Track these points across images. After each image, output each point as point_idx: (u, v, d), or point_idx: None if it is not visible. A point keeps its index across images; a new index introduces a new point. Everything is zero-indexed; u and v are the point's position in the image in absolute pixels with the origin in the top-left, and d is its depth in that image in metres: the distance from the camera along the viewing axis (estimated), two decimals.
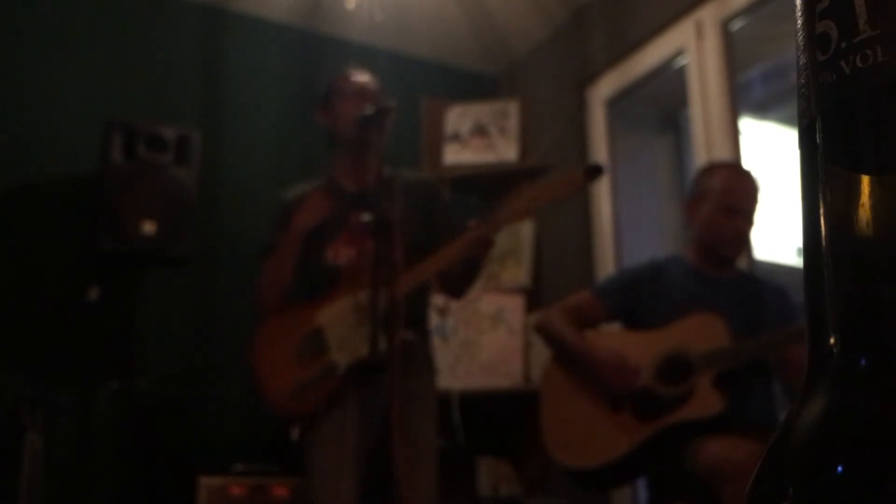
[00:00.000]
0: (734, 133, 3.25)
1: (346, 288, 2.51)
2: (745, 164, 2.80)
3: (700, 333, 2.38)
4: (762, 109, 4.38)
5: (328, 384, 2.44)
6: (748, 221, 2.50)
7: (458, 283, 2.67)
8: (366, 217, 2.40)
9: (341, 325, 2.47)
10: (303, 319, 2.52)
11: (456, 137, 4.19)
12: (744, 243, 2.59)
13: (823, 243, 0.38)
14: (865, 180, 0.37)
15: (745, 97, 4.12)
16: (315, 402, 2.43)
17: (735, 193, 2.50)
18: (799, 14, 0.40)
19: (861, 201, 0.37)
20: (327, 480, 2.37)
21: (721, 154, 3.21)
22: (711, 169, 2.66)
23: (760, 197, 2.52)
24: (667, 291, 2.53)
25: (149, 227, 3.14)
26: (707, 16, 3.39)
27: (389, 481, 2.35)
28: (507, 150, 4.12)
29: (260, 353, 2.54)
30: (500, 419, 3.87)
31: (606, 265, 3.75)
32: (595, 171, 2.40)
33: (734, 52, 3.35)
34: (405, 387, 2.36)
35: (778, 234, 3.74)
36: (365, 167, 2.64)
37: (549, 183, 2.47)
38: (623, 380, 2.39)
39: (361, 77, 2.71)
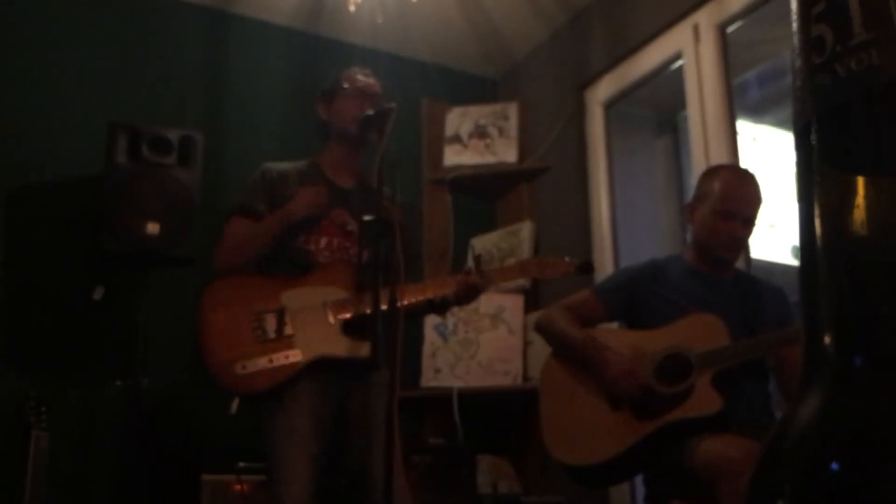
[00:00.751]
0: (731, 135, 3.28)
1: (315, 279, 2.52)
2: (748, 168, 2.81)
3: (699, 333, 2.39)
4: (758, 112, 4.41)
5: (284, 370, 2.42)
6: (746, 226, 2.51)
7: (429, 310, 2.71)
8: (367, 217, 2.44)
9: (305, 315, 2.47)
10: (265, 293, 2.49)
11: (456, 139, 4.22)
12: (740, 247, 2.59)
13: (819, 244, 0.39)
14: (860, 181, 0.38)
15: (741, 99, 4.15)
16: (265, 383, 2.41)
17: (733, 198, 2.50)
18: (794, 18, 0.41)
19: (856, 202, 0.38)
20: (287, 470, 2.37)
21: (717, 156, 3.23)
22: (713, 172, 2.67)
23: (761, 202, 2.53)
24: (666, 291, 2.55)
25: (152, 228, 3.16)
26: (704, 19, 3.42)
27: (357, 478, 2.37)
28: (506, 152, 4.14)
29: (211, 312, 2.48)
30: (500, 417, 3.89)
31: (604, 265, 3.78)
32: (587, 268, 2.68)
33: (731, 54, 3.37)
34: (370, 381, 2.39)
35: (774, 234, 3.77)
36: (355, 166, 2.69)
37: (545, 263, 2.64)
38: (630, 385, 2.40)
39: (365, 77, 2.75)
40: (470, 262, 2.53)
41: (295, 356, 2.44)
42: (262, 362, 2.42)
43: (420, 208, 3.40)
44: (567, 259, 2.63)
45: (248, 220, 2.60)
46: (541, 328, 2.69)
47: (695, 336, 2.39)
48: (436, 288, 2.50)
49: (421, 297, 2.49)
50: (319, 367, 2.46)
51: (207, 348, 2.46)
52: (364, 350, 2.35)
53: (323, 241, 2.59)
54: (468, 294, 2.51)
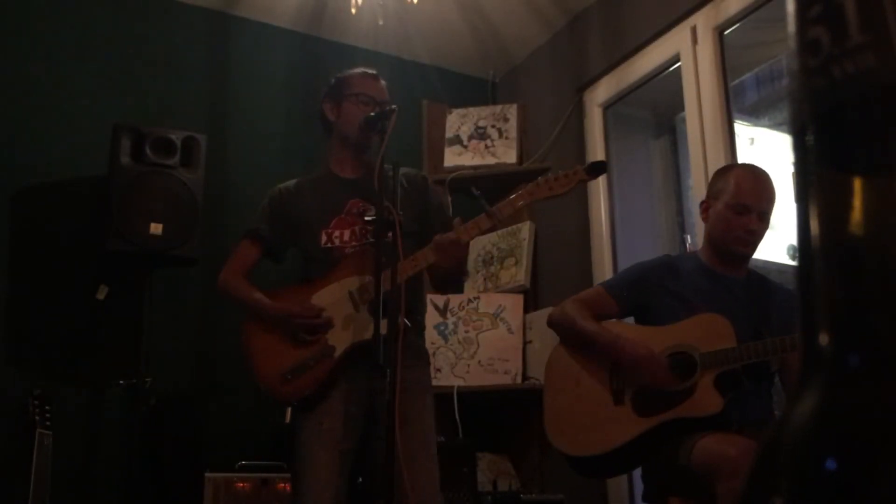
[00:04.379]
0: (728, 137, 3.30)
1: (341, 273, 2.54)
2: (761, 166, 2.81)
3: (707, 332, 2.39)
4: (755, 114, 4.44)
5: (323, 366, 2.46)
6: (760, 221, 2.50)
7: (451, 274, 2.67)
8: (368, 217, 2.47)
9: (334, 310, 2.50)
10: (299, 302, 2.53)
11: (456, 140, 4.25)
12: (755, 242, 2.56)
13: (816, 244, 0.39)
14: (856, 182, 0.38)
15: (738, 101, 4.18)
16: (310, 384, 2.45)
17: (747, 192, 2.51)
18: (790, 20, 0.41)
19: (852, 202, 0.38)
20: (313, 471, 2.38)
21: (715, 157, 3.25)
22: (727, 169, 2.68)
23: (775, 198, 2.52)
24: (677, 287, 2.55)
25: (156, 228, 3.18)
26: (701, 21, 3.44)
27: (379, 473, 2.38)
28: (506, 153, 4.17)
29: (254, 338, 2.54)
30: (499, 416, 3.91)
31: (603, 265, 3.80)
32: (598, 168, 2.48)
33: (728, 57, 3.40)
34: (405, 378, 2.40)
35: (771, 234, 3.79)
36: (361, 160, 2.71)
37: (553, 178, 2.44)
38: (658, 374, 2.38)
39: (375, 82, 2.76)
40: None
41: (330, 351, 2.47)
42: (302, 367, 2.47)
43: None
44: (576, 167, 2.45)
45: (254, 245, 2.68)
46: (554, 321, 2.68)
47: (701, 336, 2.39)
48: (423, 258, 2.46)
49: (414, 271, 2.45)
50: (354, 362, 2.47)
51: (255, 370, 2.52)
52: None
53: (347, 234, 2.61)
54: (444, 252, 2.40)
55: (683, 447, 2.27)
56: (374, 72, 2.79)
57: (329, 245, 2.60)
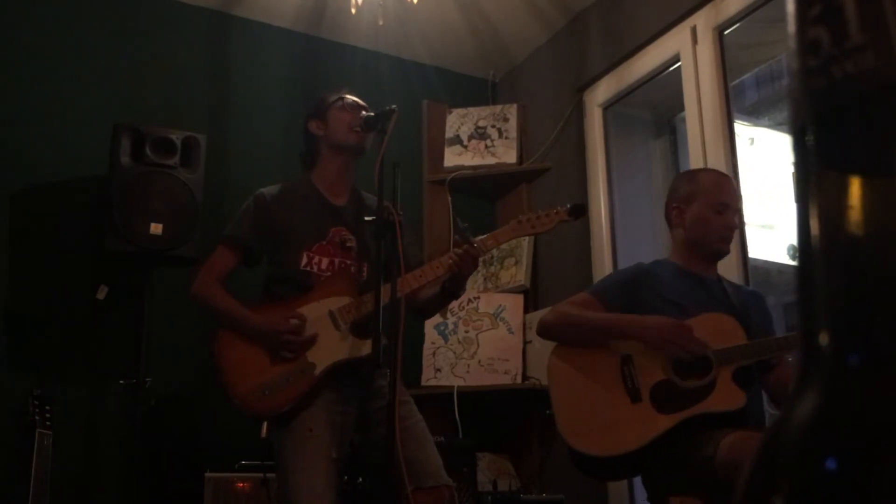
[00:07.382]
0: (728, 136, 3.30)
1: (318, 294, 2.56)
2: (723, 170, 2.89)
3: (714, 331, 2.41)
4: (755, 113, 4.45)
5: (303, 383, 2.47)
6: (738, 218, 2.61)
7: (435, 303, 2.71)
8: (368, 217, 2.47)
9: (315, 328, 2.52)
10: (280, 317, 2.53)
11: (456, 140, 4.25)
12: (731, 238, 2.64)
13: (816, 243, 0.39)
14: (856, 183, 0.38)
15: (738, 101, 4.18)
16: (288, 401, 2.45)
17: (725, 191, 2.61)
18: (790, 20, 0.41)
19: (852, 202, 0.38)
20: (304, 478, 2.38)
21: (715, 157, 3.26)
22: (693, 174, 2.78)
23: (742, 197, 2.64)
24: (663, 292, 2.56)
25: (156, 228, 3.18)
26: (701, 21, 3.44)
27: (377, 477, 2.39)
28: (506, 153, 4.18)
29: (228, 350, 2.54)
30: (499, 416, 3.91)
31: (603, 265, 3.80)
32: (579, 210, 2.60)
33: (728, 57, 3.40)
34: (381, 385, 2.42)
35: (772, 235, 3.80)
36: (348, 180, 2.74)
37: (537, 217, 2.56)
38: (691, 340, 2.37)
39: (348, 89, 2.81)
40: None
41: (311, 368, 2.49)
42: (281, 383, 2.47)
43: (419, 210, 3.39)
44: (558, 208, 2.57)
45: (232, 253, 2.68)
46: (549, 325, 2.61)
47: (709, 334, 2.41)
48: (431, 271, 2.51)
49: (419, 283, 2.50)
50: (337, 375, 2.50)
51: (229, 383, 2.51)
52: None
53: (325, 262, 2.63)
54: (466, 264, 2.47)
55: (709, 442, 2.23)
56: (353, 91, 2.85)
57: (307, 269, 2.61)
